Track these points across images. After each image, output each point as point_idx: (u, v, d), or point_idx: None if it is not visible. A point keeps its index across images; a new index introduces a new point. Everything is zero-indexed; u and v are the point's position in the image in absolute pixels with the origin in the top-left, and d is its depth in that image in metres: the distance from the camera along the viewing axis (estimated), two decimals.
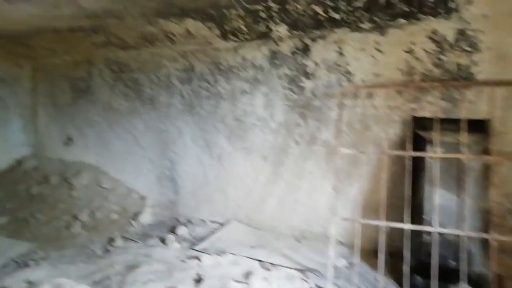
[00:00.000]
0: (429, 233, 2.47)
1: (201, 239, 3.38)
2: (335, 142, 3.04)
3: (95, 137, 4.70)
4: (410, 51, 2.85)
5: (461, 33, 2.65)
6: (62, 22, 3.48)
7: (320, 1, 2.76)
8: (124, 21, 3.43)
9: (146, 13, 3.21)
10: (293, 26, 3.14)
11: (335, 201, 2.92)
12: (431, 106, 2.80)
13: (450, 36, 2.69)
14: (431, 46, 2.77)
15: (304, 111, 3.34)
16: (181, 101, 3.99)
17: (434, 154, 2.54)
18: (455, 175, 2.56)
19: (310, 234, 3.38)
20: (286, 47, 3.35)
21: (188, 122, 3.97)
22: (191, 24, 3.41)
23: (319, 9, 2.86)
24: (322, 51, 3.20)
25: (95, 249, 3.26)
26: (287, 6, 2.88)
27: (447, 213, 2.54)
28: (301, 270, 2.76)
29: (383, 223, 2.55)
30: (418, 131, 2.76)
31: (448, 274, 2.39)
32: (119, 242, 3.35)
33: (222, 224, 3.74)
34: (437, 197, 2.48)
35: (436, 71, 2.79)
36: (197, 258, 2.94)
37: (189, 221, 3.86)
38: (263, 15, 3.06)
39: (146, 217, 3.91)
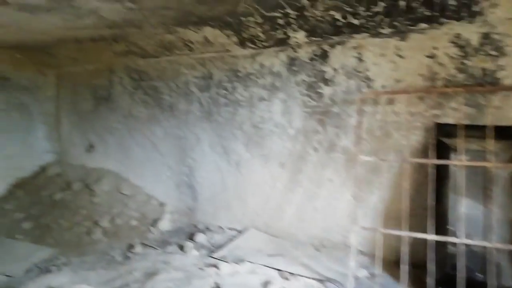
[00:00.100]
0: (454, 244, 2.38)
1: (219, 247, 3.37)
2: (355, 149, 2.99)
3: (115, 144, 4.78)
4: (432, 56, 2.78)
5: (486, 37, 2.57)
6: (84, 32, 3.56)
7: (339, 7, 2.72)
8: (144, 30, 3.49)
9: (165, 22, 3.25)
10: (311, 32, 3.11)
11: (355, 210, 2.86)
12: (455, 112, 2.72)
13: (475, 40, 2.61)
14: (454, 51, 2.70)
15: (323, 118, 3.30)
16: (199, 108, 4.01)
17: (458, 162, 2.45)
18: (481, 184, 2.48)
19: (330, 242, 3.32)
20: (304, 53, 3.33)
21: (206, 129, 3.99)
22: (209, 32, 3.43)
23: (337, 15, 2.82)
24: (341, 57, 3.16)
25: (115, 256, 3.29)
26: (305, 13, 2.86)
27: (473, 223, 2.44)
28: (320, 280, 2.71)
29: (405, 233, 2.48)
30: (442, 138, 2.68)
31: None
32: (138, 248, 3.37)
33: (240, 232, 3.72)
34: (463, 207, 2.39)
35: (460, 76, 2.71)
36: (215, 266, 2.92)
37: (207, 228, 3.87)
38: (281, 22, 3.05)
39: (165, 224, 3.94)
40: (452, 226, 2.48)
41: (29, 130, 5.03)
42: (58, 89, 5.29)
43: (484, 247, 2.31)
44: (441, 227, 2.50)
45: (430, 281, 2.32)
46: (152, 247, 3.43)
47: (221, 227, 3.88)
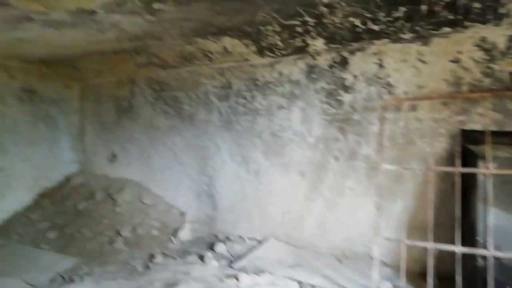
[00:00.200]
0: (484, 257, 2.27)
1: (239, 257, 3.33)
2: (377, 158, 2.91)
3: (137, 153, 4.85)
4: (456, 61, 2.70)
5: None
6: (107, 45, 3.65)
7: (358, 13, 2.68)
8: (164, 41, 3.54)
9: (184, 33, 3.29)
10: (330, 39, 3.08)
11: (377, 220, 2.77)
12: (481, 118, 2.62)
13: (501, 43, 2.52)
14: (480, 55, 2.61)
15: (343, 126, 3.24)
16: (219, 118, 4.03)
17: (486, 171, 2.34)
18: (511, 193, 2.35)
19: (352, 253, 3.23)
20: (323, 60, 3.30)
21: (226, 138, 3.99)
22: (228, 41, 3.45)
23: (357, 21, 2.78)
24: (361, 63, 3.11)
25: (136, 266, 3.31)
26: (324, 20, 2.83)
27: (504, 235, 2.32)
28: None
29: (431, 245, 2.38)
30: (468, 145, 2.58)
31: None
32: (159, 258, 3.38)
33: (260, 242, 3.68)
34: (492, 217, 2.28)
35: (486, 81, 2.61)
36: (235, 277, 2.89)
37: (227, 238, 3.84)
38: (299, 29, 3.03)
39: (185, 233, 3.94)
40: (481, 237, 2.36)
41: (55, 141, 5.17)
42: (83, 100, 5.43)
43: None
44: (469, 239, 2.38)
45: None
46: (173, 257, 3.43)
47: (241, 237, 3.85)
